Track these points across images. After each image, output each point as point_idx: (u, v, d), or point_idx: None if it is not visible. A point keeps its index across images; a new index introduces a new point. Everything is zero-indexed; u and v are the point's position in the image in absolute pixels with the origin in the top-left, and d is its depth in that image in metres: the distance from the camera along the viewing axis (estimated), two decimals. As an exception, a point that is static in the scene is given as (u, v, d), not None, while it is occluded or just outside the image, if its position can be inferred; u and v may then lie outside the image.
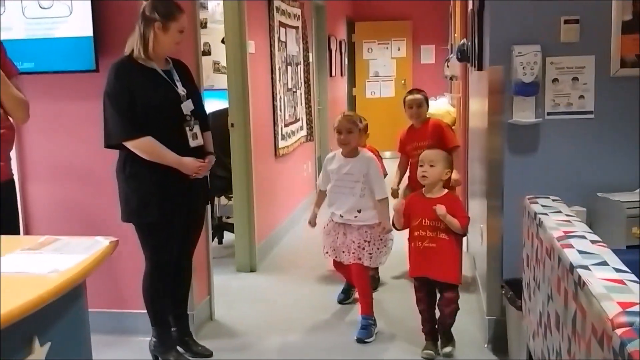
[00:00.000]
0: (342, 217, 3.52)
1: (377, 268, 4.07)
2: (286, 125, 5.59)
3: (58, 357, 1.91)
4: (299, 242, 5.42)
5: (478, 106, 3.83)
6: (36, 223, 3.57)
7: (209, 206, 3.64)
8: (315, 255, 3.59)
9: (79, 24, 3.25)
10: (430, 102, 4.52)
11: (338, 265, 3.73)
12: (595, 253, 1.74)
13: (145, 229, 2.98)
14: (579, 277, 1.57)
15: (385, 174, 3.96)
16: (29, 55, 3.33)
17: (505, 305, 3.10)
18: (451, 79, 7.10)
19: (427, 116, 4.29)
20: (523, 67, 2.99)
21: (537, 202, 2.46)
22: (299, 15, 6.13)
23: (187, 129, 2.95)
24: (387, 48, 10.54)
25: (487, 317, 3.30)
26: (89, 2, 3.22)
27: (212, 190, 4.92)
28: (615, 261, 1.67)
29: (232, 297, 4.17)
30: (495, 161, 3.18)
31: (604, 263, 1.65)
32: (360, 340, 3.41)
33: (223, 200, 5.42)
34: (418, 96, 4.16)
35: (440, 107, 7.39)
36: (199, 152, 3.02)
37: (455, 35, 6.71)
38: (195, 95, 3.09)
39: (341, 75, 9.44)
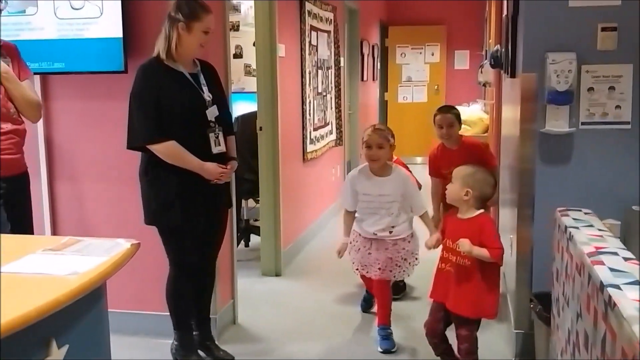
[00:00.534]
0: (375, 234, 3.37)
1: None
2: (315, 129, 5.55)
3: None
4: (325, 247, 5.37)
5: (510, 114, 3.74)
6: (63, 222, 3.59)
7: (234, 209, 3.62)
8: (341, 261, 3.52)
9: (109, 25, 3.26)
10: (462, 108, 4.31)
11: (363, 276, 3.62)
12: (628, 271, 1.66)
13: (167, 233, 2.97)
14: (610, 296, 1.50)
15: (420, 186, 3.73)
16: (60, 56, 3.36)
17: (533, 319, 3.01)
18: (484, 85, 6.99)
19: (460, 134, 3.94)
20: (557, 75, 2.91)
21: (568, 215, 2.38)
22: (331, 19, 6.10)
23: (211, 135, 2.93)
24: (420, 53, 10.45)
25: (515, 330, 3.21)
26: (119, 3, 3.23)
27: (240, 192, 4.93)
28: (649, 281, 1.59)
29: (256, 301, 4.15)
30: (526, 171, 3.10)
31: (637, 282, 1.57)
32: (387, 351, 3.35)
33: (251, 202, 5.40)
34: (448, 115, 3.77)
35: (473, 113, 7.29)
36: (222, 158, 3.00)
37: (490, 41, 6.61)
38: (221, 100, 3.07)
39: (373, 80, 9.37)
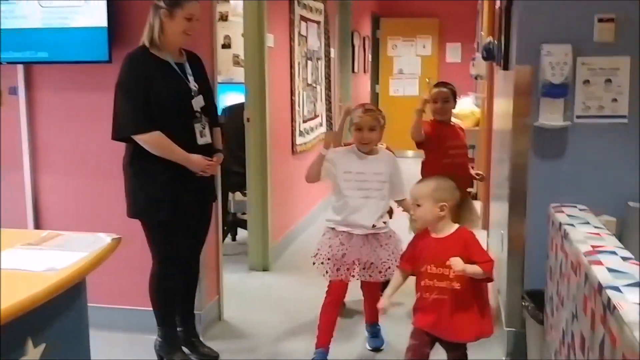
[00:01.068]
0: (374, 226, 2.99)
1: None
2: (305, 122, 5.47)
3: (53, 359, 1.83)
4: (314, 242, 5.23)
5: (503, 107, 3.67)
6: (48, 215, 3.50)
7: (219, 202, 3.54)
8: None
9: (94, 13, 3.17)
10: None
11: (341, 288, 3.10)
12: (627, 272, 1.59)
13: (154, 227, 2.89)
14: (609, 299, 1.43)
15: None
16: (43, 45, 3.27)
17: (525, 318, 2.95)
18: (477, 78, 6.92)
19: (455, 123, 3.91)
20: (552, 68, 2.84)
21: (562, 212, 2.32)
22: (321, 10, 6.00)
23: (196, 125, 2.85)
24: (412, 45, 10.37)
25: (506, 328, 3.15)
26: (104, -9, 3.14)
27: (227, 185, 4.85)
28: (649, 282, 1.53)
29: (243, 296, 4.07)
30: (519, 165, 3.03)
31: (637, 284, 1.50)
32: (377, 349, 3.28)
33: (238, 196, 5.32)
34: (445, 90, 3.70)
35: (465, 107, 7.22)
36: (208, 150, 2.92)
37: (483, 33, 6.54)
38: (208, 91, 3.00)
39: (364, 72, 9.28)
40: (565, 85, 2.85)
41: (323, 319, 3.08)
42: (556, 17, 2.89)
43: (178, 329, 3.11)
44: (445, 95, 3.69)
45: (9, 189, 3.48)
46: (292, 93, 5.11)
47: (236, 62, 6.33)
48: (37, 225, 3.47)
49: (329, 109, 6.38)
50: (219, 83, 3.69)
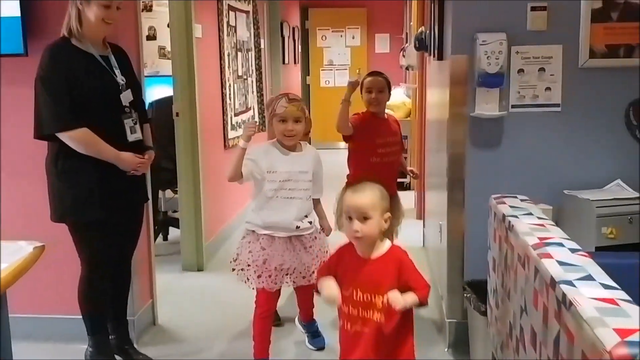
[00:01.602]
0: (298, 228, 2.78)
1: None
2: (236, 115, 5.32)
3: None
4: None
5: (438, 97, 3.66)
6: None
7: (151, 202, 3.37)
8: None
9: (5, 2, 2.93)
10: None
11: (270, 297, 2.87)
12: (578, 264, 1.56)
13: (82, 230, 2.72)
14: (564, 294, 1.39)
15: None
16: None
17: (467, 308, 2.94)
18: (407, 69, 6.93)
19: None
20: (487, 57, 2.82)
21: (504, 203, 2.29)
22: (250, -1, 5.86)
23: (126, 121, 2.69)
24: (341, 36, 10.33)
25: (447, 319, 3.13)
26: (15, -23, 2.90)
27: (157, 182, 4.65)
28: (600, 274, 1.50)
29: (178, 298, 3.91)
30: (457, 155, 3.02)
31: (589, 277, 1.47)
32: (322, 349, 3.18)
33: (168, 193, 5.13)
34: (380, 79, 3.45)
35: (396, 98, 7.23)
36: (138, 147, 2.76)
37: (412, 23, 6.55)
38: (135, 85, 2.84)
39: (295, 63, 9.18)
40: (501, 75, 2.83)
41: (256, 331, 2.89)
42: (490, 5, 2.87)
43: (110, 336, 2.95)
44: (380, 85, 3.44)
45: None
46: (222, 85, 4.95)
47: (162, 54, 6.09)
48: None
49: (260, 102, 6.24)
50: (145, 76, 3.51)
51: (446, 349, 3.13)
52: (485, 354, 2.59)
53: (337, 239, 2.52)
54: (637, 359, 1.08)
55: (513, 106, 2.92)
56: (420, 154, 5.42)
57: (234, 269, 2.86)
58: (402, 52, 7.43)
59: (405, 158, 4.16)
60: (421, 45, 4.50)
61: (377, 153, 3.43)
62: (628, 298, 1.34)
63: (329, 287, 2.08)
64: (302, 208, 2.81)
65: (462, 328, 3.03)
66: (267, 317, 2.90)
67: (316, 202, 2.93)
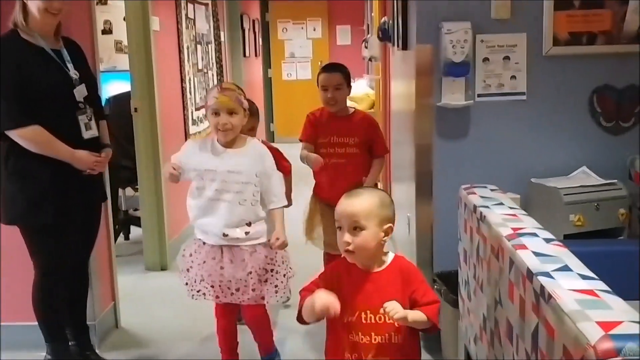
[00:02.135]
0: (226, 235, 2.46)
1: None
2: (197, 109, 5.19)
3: None
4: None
5: (403, 88, 3.61)
6: None
7: (110, 201, 3.26)
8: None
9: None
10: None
11: (224, 311, 2.68)
12: (554, 255, 1.53)
13: (34, 233, 2.59)
14: (542, 287, 1.35)
15: (288, 172, 3.04)
16: None
17: (437, 300, 2.91)
18: (370, 60, 6.90)
19: (351, 106, 3.34)
20: (453, 46, 2.78)
21: (475, 193, 2.25)
22: (208, -9, 5.73)
23: (81, 117, 2.57)
24: (302, 28, 10.23)
25: (417, 312, 3.09)
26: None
27: (116, 181, 4.51)
28: (577, 265, 1.46)
29: (141, 300, 3.80)
30: (424, 146, 2.98)
31: (566, 268, 1.44)
32: None
33: (129, 191, 4.99)
34: (335, 75, 3.11)
35: (359, 89, 7.20)
36: (94, 145, 2.64)
37: (373, 14, 6.50)
38: (90, 79, 2.72)
39: (256, 55, 9.06)
40: (467, 64, 2.80)
41: (221, 344, 2.75)
42: (454, -7, 2.83)
43: (70, 343, 2.83)
44: (336, 81, 3.10)
45: None
46: (182, 80, 4.83)
47: (119, 49, 5.93)
48: None
49: (221, 96, 6.12)
50: (101, 72, 3.38)
51: (417, 342, 3.09)
52: (456, 347, 2.55)
53: (312, 256, 2.37)
54: (624, 353, 1.04)
55: (479, 95, 2.89)
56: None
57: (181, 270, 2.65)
58: (364, 44, 7.41)
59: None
60: (385, 35, 4.47)
61: (336, 154, 3.14)
62: (607, 289, 1.30)
63: (320, 297, 1.69)
64: (235, 214, 2.44)
65: (433, 320, 2.99)
66: (228, 332, 2.73)
67: (274, 212, 2.53)
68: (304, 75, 10.11)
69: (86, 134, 2.59)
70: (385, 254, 1.81)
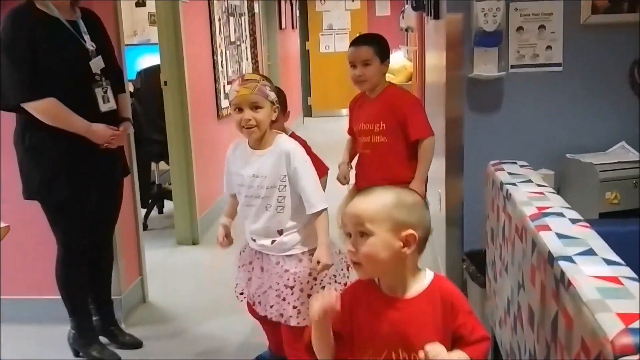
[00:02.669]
0: (254, 240, 2.32)
1: None
2: (229, 83, 5.15)
3: None
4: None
5: (435, 60, 3.48)
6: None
7: (136, 174, 3.24)
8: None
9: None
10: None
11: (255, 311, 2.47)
12: (578, 237, 1.42)
13: (53, 209, 2.58)
14: (562, 272, 1.25)
15: (324, 173, 2.65)
16: None
17: (466, 280, 2.82)
18: (406, 30, 6.72)
19: (388, 81, 2.86)
20: (485, 14, 2.65)
21: (503, 169, 2.14)
22: (241, -39, 5.64)
23: (97, 90, 2.53)
24: (340, -1, 10.08)
25: (446, 291, 3.01)
26: None
27: (149, 155, 4.52)
28: (602, 248, 1.36)
29: (170, 275, 3.80)
30: (454, 120, 2.88)
31: (591, 252, 1.33)
32: None
33: (163, 165, 4.99)
34: (362, 49, 2.70)
35: (396, 61, 7.04)
36: (113, 118, 2.61)
37: (411, -17, 6.32)
38: (108, 50, 2.66)
39: (292, 28, 8.95)
40: (499, 33, 2.67)
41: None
42: (487, -41, 2.68)
43: (94, 317, 2.84)
44: (364, 56, 2.69)
45: None
46: (213, 53, 4.78)
47: (153, 22, 5.90)
48: None
49: (256, 69, 6.06)
50: (135, 45, 3.34)
51: (445, 322, 3.01)
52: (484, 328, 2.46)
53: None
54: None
55: (512, 66, 2.76)
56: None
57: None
58: (401, 14, 7.22)
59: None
60: (418, 4, 4.32)
61: (362, 144, 2.82)
62: (633, 275, 1.20)
63: (312, 306, 1.43)
64: (262, 219, 2.26)
65: (462, 300, 2.91)
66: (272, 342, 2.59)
67: (315, 216, 2.23)
68: (342, 47, 9.94)
69: (103, 107, 2.55)
70: (417, 272, 1.44)
